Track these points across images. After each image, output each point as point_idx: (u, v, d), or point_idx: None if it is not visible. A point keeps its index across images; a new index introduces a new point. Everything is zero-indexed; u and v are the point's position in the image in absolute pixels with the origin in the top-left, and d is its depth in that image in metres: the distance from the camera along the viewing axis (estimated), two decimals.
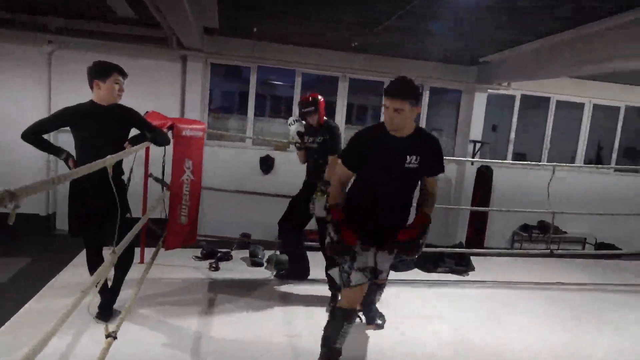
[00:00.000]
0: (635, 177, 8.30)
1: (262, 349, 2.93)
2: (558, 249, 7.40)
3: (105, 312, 2.97)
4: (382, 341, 3.17)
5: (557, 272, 5.10)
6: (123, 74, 2.86)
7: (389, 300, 3.69)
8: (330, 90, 7.60)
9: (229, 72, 8.13)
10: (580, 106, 8.08)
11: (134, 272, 3.19)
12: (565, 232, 7.79)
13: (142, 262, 3.94)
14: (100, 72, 2.79)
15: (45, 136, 2.85)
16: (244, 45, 6.96)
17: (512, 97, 7.90)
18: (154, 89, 6.89)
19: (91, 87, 2.82)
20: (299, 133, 3.80)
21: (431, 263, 4.80)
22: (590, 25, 4.80)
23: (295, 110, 7.39)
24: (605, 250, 6.92)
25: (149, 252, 3.93)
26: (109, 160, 2.12)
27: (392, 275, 4.40)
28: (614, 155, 8.33)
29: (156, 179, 3.93)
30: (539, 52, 5.84)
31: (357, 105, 8.45)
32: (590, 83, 7.78)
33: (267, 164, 7.38)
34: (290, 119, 3.87)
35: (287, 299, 3.72)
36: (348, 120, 7.92)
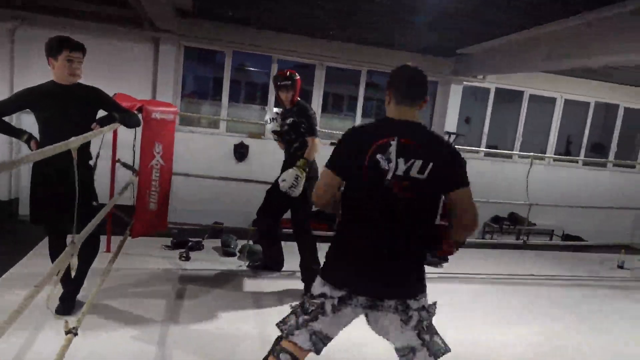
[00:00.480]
0: (602, 171, 8.53)
1: (232, 343, 2.85)
2: (527, 240, 7.59)
3: (67, 305, 2.83)
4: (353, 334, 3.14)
5: (528, 264, 5.20)
6: (78, 50, 2.62)
7: None
8: (307, 78, 7.51)
9: (203, 57, 7.91)
10: (552, 101, 8.23)
11: (100, 261, 3.04)
12: (534, 224, 7.96)
13: (108, 250, 3.79)
14: (51, 48, 2.59)
15: (7, 118, 2.68)
16: (219, 29, 6.76)
17: (487, 90, 7.98)
18: (125, 71, 6.64)
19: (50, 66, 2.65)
20: (274, 132, 3.74)
21: None
22: (564, 21, 4.84)
23: (272, 98, 7.27)
24: (573, 242, 7.11)
25: (116, 240, 3.78)
26: (73, 143, 1.98)
27: None
28: (583, 150, 8.54)
29: (124, 165, 3.77)
30: (514, 45, 5.88)
31: (334, 94, 8.38)
32: (562, 78, 7.92)
33: (241, 152, 7.24)
34: (267, 117, 3.79)
35: (260, 292, 3.65)
36: (324, 109, 7.85)
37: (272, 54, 7.23)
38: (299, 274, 3.68)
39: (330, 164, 1.88)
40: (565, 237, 7.99)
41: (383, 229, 1.85)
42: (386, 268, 1.84)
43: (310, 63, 7.45)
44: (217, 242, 4.52)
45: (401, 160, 1.81)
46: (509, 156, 7.94)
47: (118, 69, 6.52)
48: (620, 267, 5.36)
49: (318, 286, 1.89)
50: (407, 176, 1.81)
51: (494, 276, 4.66)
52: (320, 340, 1.87)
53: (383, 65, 7.47)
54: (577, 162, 8.44)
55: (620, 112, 8.48)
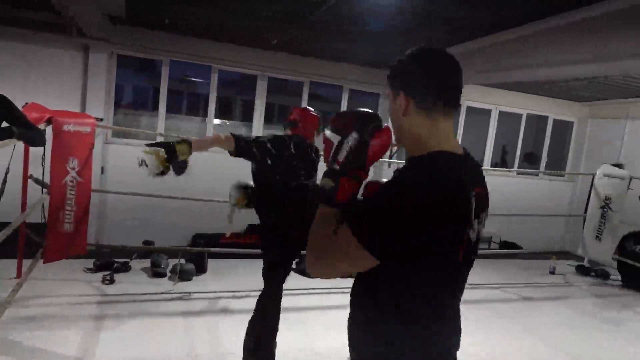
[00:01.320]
0: (534, 180, 8.93)
1: None
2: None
3: None
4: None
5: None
6: None
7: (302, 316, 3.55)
8: (249, 89, 7.38)
9: (141, 66, 7.58)
10: (488, 112, 8.53)
11: (5, 288, 2.75)
12: None
13: (18, 276, 3.45)
14: None
15: None
16: (154, 36, 6.49)
17: None
18: (52, 81, 6.21)
19: None
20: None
21: None
22: (498, 35, 5.01)
23: (212, 108, 7.07)
24: (509, 250, 7.36)
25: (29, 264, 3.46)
26: None
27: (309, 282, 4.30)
28: (516, 160, 8.90)
29: (36, 181, 3.47)
30: None
31: (279, 106, 8.28)
32: (496, 91, 8.24)
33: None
34: None
35: (189, 313, 3.45)
36: (268, 121, 7.72)
37: (211, 63, 7.03)
38: (234, 295, 3.51)
39: (378, 242, 1.11)
40: (503, 244, 8.25)
41: (454, 318, 1.38)
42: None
43: (252, 74, 7.31)
44: (147, 263, 4.27)
45: (475, 222, 1.22)
46: None
47: (45, 78, 6.10)
48: (552, 272, 5.57)
49: None
50: (478, 238, 1.29)
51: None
52: None
53: (326, 77, 7.48)
54: (512, 171, 8.80)
55: (550, 123, 8.93)
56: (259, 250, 2.61)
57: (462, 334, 1.40)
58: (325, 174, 1.24)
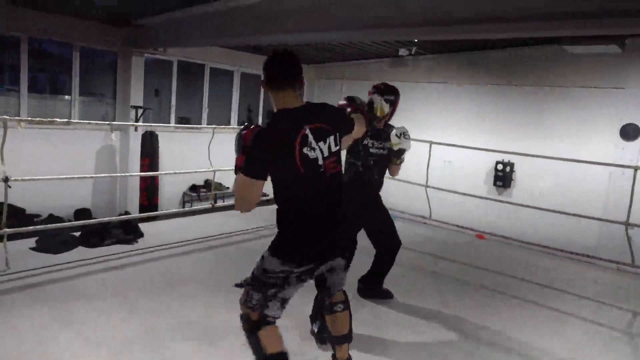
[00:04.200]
0: None
1: None
2: (224, 203, 8.29)
3: None
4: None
5: (224, 224, 5.73)
6: None
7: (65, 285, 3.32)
8: None
9: None
10: (231, 74, 9.03)
11: None
12: (228, 188, 8.76)
13: None
14: None
15: None
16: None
17: (171, 63, 8.09)
18: None
19: None
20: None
21: (97, 237, 4.56)
22: (228, 1, 5.33)
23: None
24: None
25: None
26: None
27: (55, 259, 4.00)
28: (260, 118, 9.78)
29: None
30: (189, 20, 6.10)
31: None
32: (238, 53, 8.75)
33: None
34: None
35: None
36: None
37: None
38: None
39: (251, 173, 2.00)
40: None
41: (325, 205, 2.14)
42: (331, 235, 2.18)
43: None
44: None
45: (321, 143, 2.07)
46: (199, 128, 8.38)
47: None
48: None
49: (276, 265, 2.08)
50: (330, 152, 2.11)
51: (191, 241, 4.96)
52: (284, 306, 2.15)
53: (48, 33, 6.57)
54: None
55: None
56: None
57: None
58: None
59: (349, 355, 2.49)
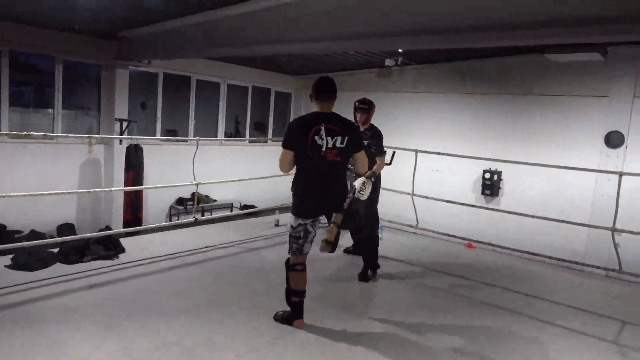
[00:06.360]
0: (264, 147, 9.95)
1: None
2: (211, 215, 8.19)
3: None
4: None
5: (207, 237, 5.64)
6: None
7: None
8: None
9: None
10: (217, 85, 8.98)
11: None
12: (215, 200, 8.66)
13: None
14: None
15: None
16: None
17: (156, 75, 8.02)
18: None
19: None
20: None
21: (76, 254, 4.44)
22: (216, 11, 5.29)
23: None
24: (246, 210, 8.10)
25: None
26: None
27: (32, 276, 3.89)
28: (247, 129, 9.72)
29: None
30: (174, 32, 6.06)
31: None
32: (224, 64, 8.72)
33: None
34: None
35: None
36: None
37: None
38: None
39: (285, 145, 3.19)
40: (243, 207, 9.02)
41: (321, 179, 3.23)
42: (326, 201, 3.24)
43: None
44: None
45: (329, 138, 3.13)
46: (185, 140, 8.30)
47: None
48: (277, 224, 6.46)
49: (294, 221, 3.29)
50: (334, 146, 3.16)
51: (172, 255, 4.86)
52: (312, 242, 3.35)
53: (30, 46, 6.47)
54: (244, 140, 9.58)
55: (273, 95, 10.03)
56: None
57: None
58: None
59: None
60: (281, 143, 3.20)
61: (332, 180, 3.23)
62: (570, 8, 3.13)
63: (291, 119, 10.46)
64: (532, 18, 3.31)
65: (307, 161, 3.15)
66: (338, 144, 3.14)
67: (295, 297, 3.32)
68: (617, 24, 2.98)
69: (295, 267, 3.28)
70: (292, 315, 3.36)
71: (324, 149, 3.10)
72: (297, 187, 3.27)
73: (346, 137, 3.15)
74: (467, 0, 3.58)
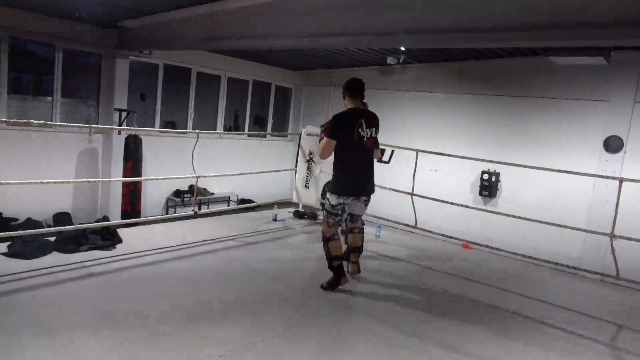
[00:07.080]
0: (262, 141, 9.92)
1: None
2: (208, 209, 8.17)
3: None
4: None
5: (205, 230, 5.61)
6: None
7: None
8: None
9: None
10: (218, 78, 8.93)
11: None
12: (212, 193, 8.63)
13: None
14: None
15: None
16: None
17: (156, 66, 7.97)
18: None
19: None
20: None
21: (73, 243, 4.41)
22: (218, 4, 5.26)
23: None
24: (244, 205, 8.08)
25: None
26: None
27: (28, 265, 3.86)
28: (247, 124, 9.68)
29: None
30: (175, 23, 6.02)
31: None
32: (225, 57, 8.67)
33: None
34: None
35: None
36: None
37: None
38: None
39: (331, 135, 3.85)
40: (240, 201, 9.00)
41: (361, 163, 4.01)
42: (365, 182, 4.05)
43: None
44: None
45: (367, 130, 3.91)
46: (184, 133, 8.26)
47: None
48: (274, 220, 6.44)
49: (334, 199, 3.95)
50: (371, 137, 3.96)
51: (169, 248, 4.84)
52: (347, 219, 4.21)
53: (30, 33, 6.41)
54: (243, 134, 9.54)
55: (273, 90, 9.98)
56: None
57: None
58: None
59: (358, 261, 4.38)
60: (326, 134, 3.89)
61: (369, 165, 4.07)
62: (579, 11, 3.12)
63: (291, 115, 10.57)
64: (536, 20, 3.31)
65: (350, 149, 3.86)
66: (372, 135, 3.96)
67: (336, 261, 3.99)
68: (624, 28, 2.98)
69: (333, 237, 3.98)
70: (337, 277, 3.99)
71: (364, 139, 3.88)
72: (341, 171, 3.93)
73: (374, 129, 3.97)
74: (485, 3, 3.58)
